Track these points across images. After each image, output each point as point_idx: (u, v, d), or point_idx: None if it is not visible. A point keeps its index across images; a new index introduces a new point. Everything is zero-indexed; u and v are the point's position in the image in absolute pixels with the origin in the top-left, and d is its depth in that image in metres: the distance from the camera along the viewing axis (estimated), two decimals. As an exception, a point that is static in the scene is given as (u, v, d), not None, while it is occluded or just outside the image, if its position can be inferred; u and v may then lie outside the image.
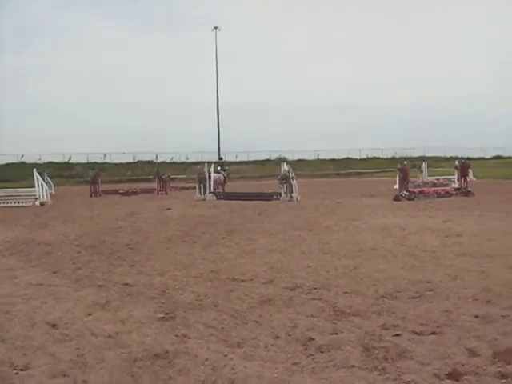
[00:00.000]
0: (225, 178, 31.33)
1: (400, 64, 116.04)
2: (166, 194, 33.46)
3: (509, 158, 72.27)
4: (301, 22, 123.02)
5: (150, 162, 67.38)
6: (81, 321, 6.14)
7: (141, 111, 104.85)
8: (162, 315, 6.34)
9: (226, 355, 4.92)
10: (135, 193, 33.96)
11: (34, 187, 26.97)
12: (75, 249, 11.60)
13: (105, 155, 68.16)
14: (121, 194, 33.30)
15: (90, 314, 6.42)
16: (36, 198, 26.22)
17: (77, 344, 5.29)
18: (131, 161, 69.23)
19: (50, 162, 60.45)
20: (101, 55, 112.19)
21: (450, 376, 4.39)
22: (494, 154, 76.83)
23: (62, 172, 57.08)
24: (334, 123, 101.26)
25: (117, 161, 68.52)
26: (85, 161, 65.80)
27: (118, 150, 69.13)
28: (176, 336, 5.55)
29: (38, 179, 27.00)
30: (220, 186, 30.62)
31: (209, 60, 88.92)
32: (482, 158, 73.36)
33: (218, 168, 32.03)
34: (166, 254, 10.65)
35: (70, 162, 65.63)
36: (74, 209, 22.53)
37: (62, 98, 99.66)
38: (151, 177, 39.60)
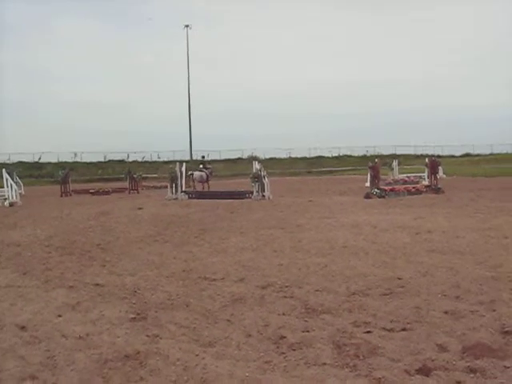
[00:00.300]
0: (207, 176, 31.07)
1: (364, 65, 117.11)
2: (138, 193, 33.23)
3: (478, 155, 73.26)
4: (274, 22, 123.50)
5: (121, 162, 66.91)
6: (51, 322, 6.07)
7: (111, 110, 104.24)
8: (133, 315, 6.30)
9: (197, 355, 4.91)
10: (106, 192, 33.65)
11: (2, 187, 26.56)
12: (45, 249, 11.46)
13: (75, 154, 67.55)
14: (92, 193, 32.96)
15: (60, 316, 6.35)
16: (5, 199, 25.81)
17: (46, 346, 5.23)
18: (102, 160, 68.69)
19: (20, 162, 59.80)
20: (71, 52, 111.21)
21: (420, 371, 4.43)
22: (464, 152, 77.79)
23: (31, 172, 56.39)
24: (306, 123, 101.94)
25: (88, 160, 67.95)
26: (55, 160, 65.11)
27: (89, 149, 68.63)
28: (147, 336, 5.51)
29: (7, 179, 26.61)
30: (202, 184, 30.60)
31: (180, 58, 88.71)
32: (452, 156, 74.24)
33: (201, 166, 32.17)
34: (137, 254, 10.59)
35: (39, 161, 64.90)
36: (44, 209, 22.26)
37: (31, 96, 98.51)
38: (123, 176, 39.25)
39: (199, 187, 30.42)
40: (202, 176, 30.80)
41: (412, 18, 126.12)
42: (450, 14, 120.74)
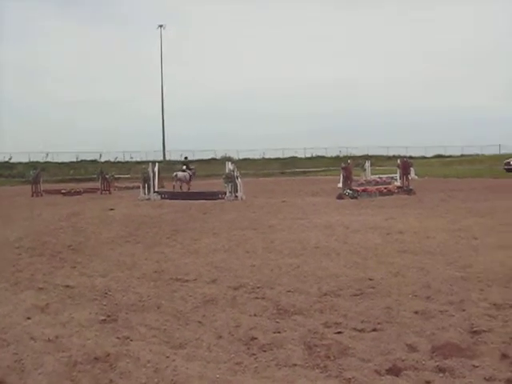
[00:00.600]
0: (190, 176, 31.88)
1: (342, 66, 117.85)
2: (110, 193, 33.00)
3: (449, 156, 74.10)
4: (248, 21, 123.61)
5: (93, 162, 66.48)
6: (19, 325, 5.97)
7: (84, 109, 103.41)
8: (103, 317, 6.23)
9: (168, 356, 4.87)
10: (78, 193, 33.35)
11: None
12: (15, 251, 11.29)
13: (47, 154, 66.92)
14: (63, 193, 32.64)
15: (29, 318, 6.25)
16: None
17: (15, 349, 5.14)
18: (74, 160, 68.15)
19: (-12, 162, 59.05)
20: (45, 49, 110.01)
21: (390, 372, 4.45)
22: (436, 153, 78.60)
23: (1, 171, 55.81)
24: (279, 124, 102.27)
25: (59, 160, 67.34)
26: (26, 160, 64.41)
27: (61, 149, 68.01)
28: (118, 338, 5.46)
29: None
30: (185, 184, 31.19)
31: (153, 58, 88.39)
32: (424, 157, 74.98)
33: (184, 167, 32.85)
34: (108, 255, 10.49)
35: (10, 161, 64.15)
36: (14, 209, 21.99)
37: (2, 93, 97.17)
38: (95, 176, 38.97)
39: (184, 187, 30.78)
40: (185, 176, 31.43)
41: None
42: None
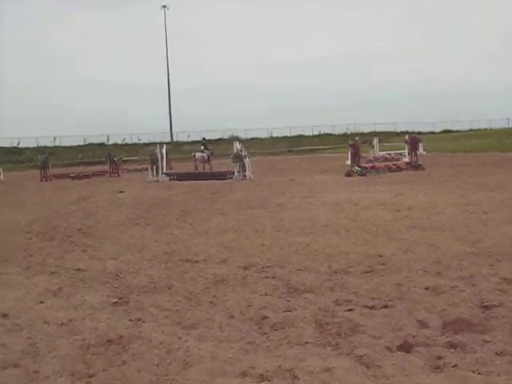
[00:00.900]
0: (209, 156, 31.69)
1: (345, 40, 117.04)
2: (119, 176, 33.01)
3: (457, 131, 73.63)
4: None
5: (101, 145, 66.40)
6: (32, 309, 6.03)
7: (90, 91, 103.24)
8: (115, 300, 6.28)
9: (180, 337, 4.91)
10: (87, 176, 33.35)
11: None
12: (26, 235, 11.36)
13: (55, 138, 66.92)
14: (72, 177, 32.66)
15: (41, 302, 6.31)
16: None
17: (28, 333, 5.19)
18: (82, 144, 68.15)
19: (-2, 148, 59.21)
20: (47, 31, 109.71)
21: (401, 348, 4.47)
22: (443, 128, 78.13)
23: (10, 157, 55.78)
24: (285, 102, 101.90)
25: (67, 144, 67.33)
26: (34, 145, 64.45)
27: (69, 132, 68.08)
28: (130, 320, 5.50)
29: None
30: (204, 164, 31.20)
31: (158, 38, 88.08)
32: (432, 132, 74.53)
33: (202, 147, 32.92)
34: (118, 238, 10.54)
35: (18, 146, 64.20)
36: (23, 194, 22.08)
37: (8, 79, 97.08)
38: (103, 159, 38.96)
39: (200, 167, 30.91)
40: (203, 157, 31.39)
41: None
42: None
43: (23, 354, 4.69)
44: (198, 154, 31.60)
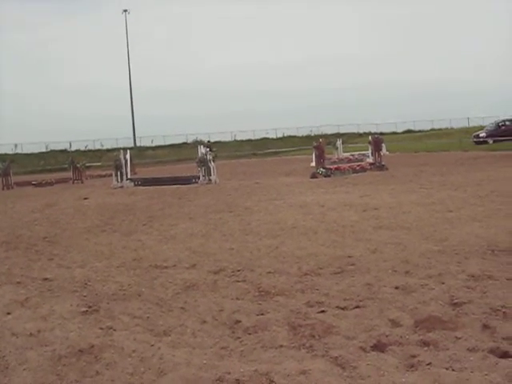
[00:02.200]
0: (213, 158, 32.02)
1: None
2: (82, 182, 32.72)
3: (419, 131, 74.60)
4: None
5: (63, 151, 65.74)
6: (0, 321, 5.90)
7: (51, 97, 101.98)
8: (85, 308, 6.16)
9: (152, 345, 4.85)
10: (50, 183, 32.95)
11: None
12: (-11, 245, 11.13)
13: (16, 146, 66.00)
14: (34, 185, 32.25)
15: (9, 313, 6.15)
16: None
17: (-4, 345, 5.08)
18: (44, 150, 67.32)
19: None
20: (9, 37, 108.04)
21: (375, 348, 4.49)
22: (405, 129, 79.13)
23: (-31, 165, 54.73)
24: (249, 105, 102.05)
25: (29, 151, 66.46)
26: (-6, 152, 63.41)
27: (30, 139, 67.10)
28: (101, 329, 5.41)
29: None
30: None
31: (119, 42, 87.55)
32: (394, 133, 75.45)
33: (207, 149, 33.32)
34: (85, 245, 10.39)
35: (-23, 154, 63.09)
36: (-15, 203, 21.65)
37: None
38: (66, 166, 38.51)
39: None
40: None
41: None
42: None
43: (-8, 367, 4.57)
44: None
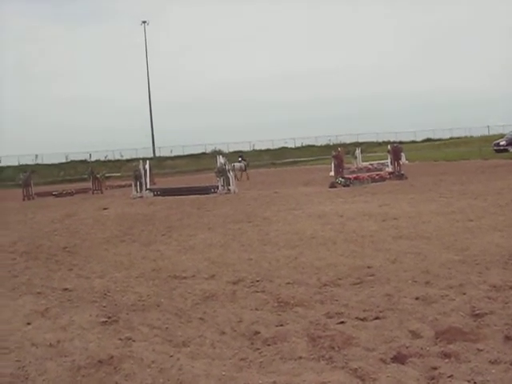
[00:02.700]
0: (245, 166, 38.81)
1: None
2: (102, 193, 32.89)
3: (439, 140, 74.27)
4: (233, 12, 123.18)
5: (83, 162, 66.33)
6: (20, 331, 5.92)
7: (71, 109, 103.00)
8: (104, 319, 6.19)
9: (171, 356, 4.84)
10: (70, 193, 33.22)
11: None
12: (10, 256, 11.21)
13: (36, 156, 66.76)
14: (55, 195, 32.52)
15: (29, 324, 6.19)
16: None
17: (17, 356, 5.09)
18: (64, 161, 67.97)
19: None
20: (27, 50, 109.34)
21: (395, 359, 4.45)
22: (425, 137, 78.78)
23: (-9, 176, 55.40)
24: (266, 116, 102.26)
25: (49, 162, 67.13)
26: (16, 163, 64.16)
27: (50, 150, 67.76)
28: (120, 340, 5.42)
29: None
30: (241, 172, 37.70)
31: (137, 54, 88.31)
32: (414, 142, 75.15)
33: (240, 159, 40.32)
34: (104, 256, 10.44)
35: (-1, 165, 63.84)
36: (6, 214, 21.85)
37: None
38: (86, 176, 38.80)
39: (239, 175, 36.23)
40: (241, 166, 38.06)
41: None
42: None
43: (12, 377, 4.58)
44: (237, 165, 37.40)
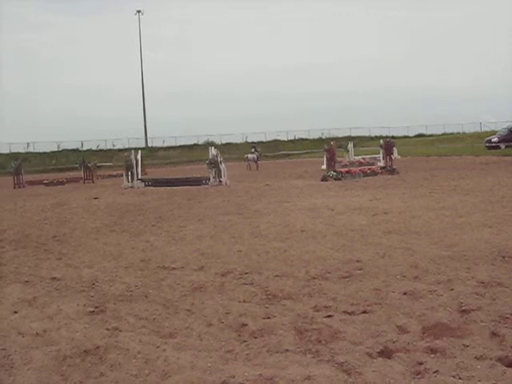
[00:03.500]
0: (257, 157, 40.80)
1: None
2: (93, 182, 32.83)
3: (431, 135, 74.36)
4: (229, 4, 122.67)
5: (75, 151, 66.01)
6: (6, 319, 5.88)
7: (64, 97, 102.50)
8: (91, 309, 6.16)
9: (158, 347, 4.83)
10: (61, 182, 33.08)
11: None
12: (-2, 244, 11.17)
13: (28, 144, 66.36)
14: (46, 184, 32.39)
15: (16, 312, 6.16)
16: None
17: (2, 345, 5.05)
18: (56, 149, 67.60)
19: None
20: (23, 38, 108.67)
21: (381, 354, 4.45)
22: (417, 133, 78.86)
23: (-18, 164, 55.06)
24: (260, 108, 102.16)
25: (41, 150, 66.78)
26: (7, 151, 63.80)
27: (42, 138, 67.42)
28: (107, 330, 5.40)
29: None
30: (254, 163, 39.86)
31: (132, 44, 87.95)
32: (406, 137, 75.21)
33: (253, 150, 42.09)
34: (94, 245, 10.41)
35: (-10, 152, 63.45)
36: (-4, 202, 21.75)
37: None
38: (77, 165, 38.66)
39: (253, 166, 39.51)
40: (254, 157, 40.34)
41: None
42: None
43: (-3, 366, 4.57)
44: (250, 156, 40.54)
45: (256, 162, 39.97)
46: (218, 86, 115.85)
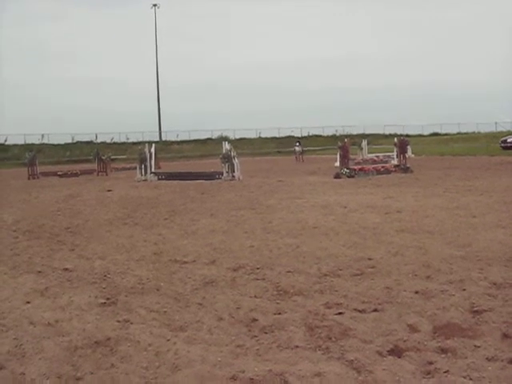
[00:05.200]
0: (302, 150, 45.79)
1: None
2: (107, 175, 32.93)
3: (446, 134, 73.98)
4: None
5: (89, 143, 66.26)
6: (19, 309, 5.94)
7: (79, 89, 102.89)
8: (103, 300, 6.20)
9: (168, 340, 4.85)
10: (75, 174, 33.22)
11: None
12: (12, 234, 11.25)
13: (42, 136, 66.66)
14: (60, 175, 32.53)
15: (28, 302, 6.21)
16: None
17: (14, 334, 5.10)
18: (70, 141, 67.90)
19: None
20: (36, 30, 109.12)
21: (392, 352, 4.43)
22: (432, 131, 78.48)
23: (-3, 155, 55.49)
24: (275, 103, 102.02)
25: (55, 142, 67.09)
26: (22, 142, 64.16)
27: (57, 130, 67.73)
28: (118, 322, 5.43)
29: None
30: (300, 156, 44.65)
31: (148, 37, 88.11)
32: (420, 135, 74.87)
33: (297, 143, 47.41)
34: (106, 237, 10.46)
35: (5, 143, 63.81)
36: (10, 192, 21.90)
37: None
38: (91, 158, 38.80)
39: (299, 158, 44.19)
40: (299, 150, 45.25)
41: None
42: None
43: (9, 355, 4.60)
44: (297, 149, 45.69)
45: (301, 154, 44.53)
46: (233, 80, 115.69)
